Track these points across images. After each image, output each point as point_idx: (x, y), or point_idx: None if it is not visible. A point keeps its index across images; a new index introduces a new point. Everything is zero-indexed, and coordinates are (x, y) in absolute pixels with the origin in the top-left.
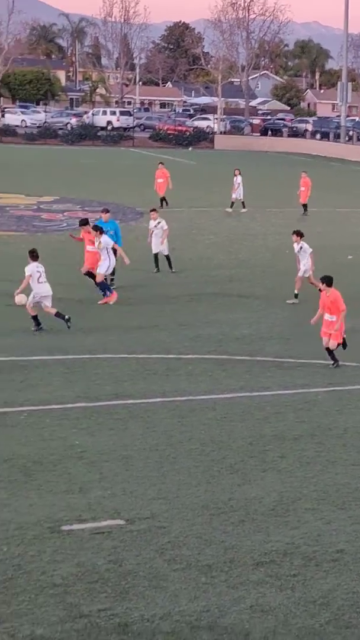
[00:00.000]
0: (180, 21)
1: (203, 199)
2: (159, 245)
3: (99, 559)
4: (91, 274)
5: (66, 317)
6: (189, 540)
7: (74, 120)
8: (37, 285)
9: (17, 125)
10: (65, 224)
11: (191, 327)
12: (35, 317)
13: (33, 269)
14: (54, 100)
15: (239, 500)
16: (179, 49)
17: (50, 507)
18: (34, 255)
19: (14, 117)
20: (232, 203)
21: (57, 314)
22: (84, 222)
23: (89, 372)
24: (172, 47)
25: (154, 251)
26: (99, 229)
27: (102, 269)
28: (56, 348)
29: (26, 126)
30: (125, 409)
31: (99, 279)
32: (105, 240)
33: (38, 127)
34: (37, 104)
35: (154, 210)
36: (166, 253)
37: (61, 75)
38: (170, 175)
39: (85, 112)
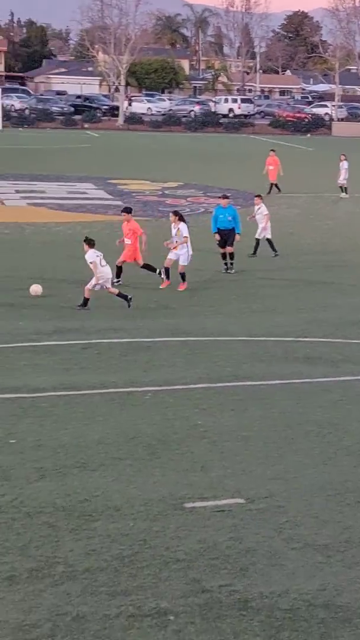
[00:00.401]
0: (299, 10)
1: (320, 185)
2: (260, 230)
3: (220, 536)
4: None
5: (128, 297)
6: (306, 520)
7: (197, 108)
8: (100, 269)
9: (143, 113)
10: (188, 209)
11: (309, 311)
12: (87, 300)
13: (93, 255)
14: (178, 89)
15: (354, 482)
16: (298, 37)
17: (173, 485)
18: (90, 243)
19: (140, 106)
20: (345, 188)
21: (119, 294)
22: (128, 210)
23: (210, 354)
24: (291, 35)
25: (256, 236)
26: (178, 215)
27: (184, 260)
28: (179, 330)
29: (152, 114)
30: (244, 390)
31: (180, 270)
32: (184, 228)
33: (163, 114)
34: (162, 92)
35: (258, 196)
36: (268, 237)
37: (185, 64)
38: (289, 161)
39: (210, 100)
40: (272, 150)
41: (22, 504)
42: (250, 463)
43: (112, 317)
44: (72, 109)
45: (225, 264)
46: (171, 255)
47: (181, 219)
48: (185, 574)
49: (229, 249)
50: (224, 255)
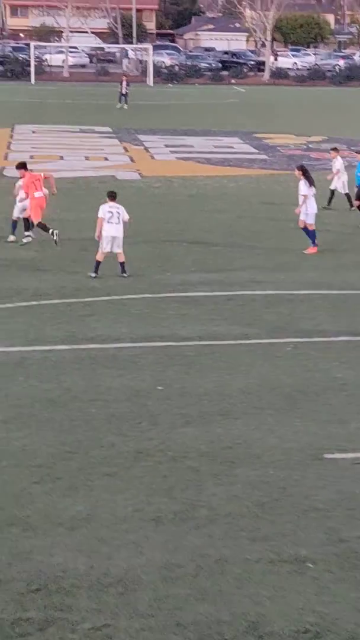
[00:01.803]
0: None
1: None
2: (333, 181)
3: (358, 487)
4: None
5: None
6: None
7: (341, 62)
8: (105, 227)
9: (289, 68)
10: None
11: None
12: (99, 263)
13: (104, 210)
14: (323, 43)
15: None
16: None
17: (313, 435)
18: (111, 196)
19: (286, 60)
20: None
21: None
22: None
23: (352, 308)
24: None
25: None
26: (301, 170)
27: (304, 217)
28: (321, 283)
29: (297, 69)
30: None
31: (310, 227)
32: (301, 185)
33: (308, 69)
34: (307, 47)
35: (333, 149)
36: (343, 191)
37: (330, 18)
38: None
39: (354, 53)
40: None
41: (168, 449)
42: None
43: (255, 270)
44: (220, 65)
45: None
46: (301, 216)
47: (304, 174)
48: (323, 523)
49: None
50: None
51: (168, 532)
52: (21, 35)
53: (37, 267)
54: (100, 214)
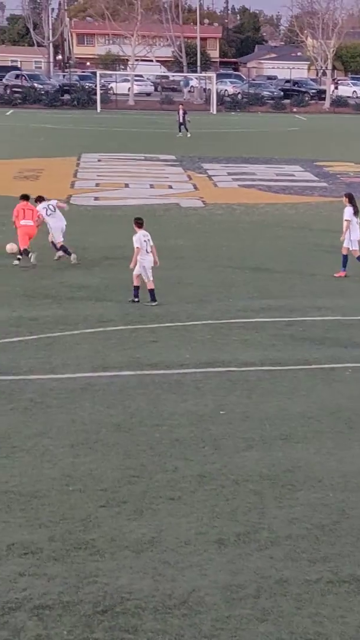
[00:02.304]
0: None
1: None
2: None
3: None
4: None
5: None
6: None
7: None
8: (143, 255)
9: (348, 97)
10: None
11: None
12: (151, 290)
13: (140, 239)
14: None
15: None
16: None
17: None
18: (139, 224)
19: (347, 89)
20: None
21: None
22: (25, 197)
23: None
24: None
25: None
26: (347, 197)
27: (348, 243)
28: None
29: (357, 97)
30: None
31: (344, 251)
32: (345, 211)
33: None
34: None
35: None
36: None
37: None
38: None
39: None
40: None
41: (230, 472)
42: None
43: (314, 296)
44: (282, 93)
45: None
46: (345, 242)
47: (350, 201)
48: None
49: None
50: None
51: (231, 554)
52: (87, 63)
53: (101, 294)
54: (137, 244)
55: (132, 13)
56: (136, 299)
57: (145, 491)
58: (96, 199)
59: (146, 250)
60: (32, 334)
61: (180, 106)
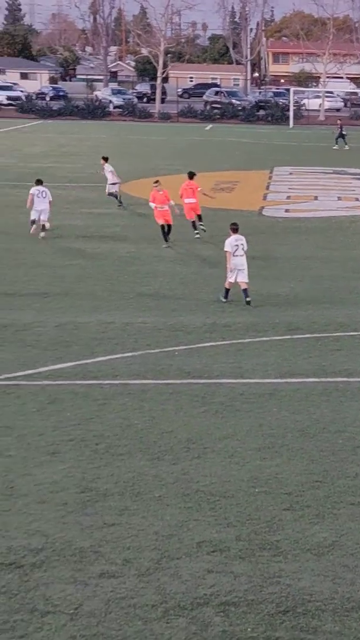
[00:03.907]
0: None
1: None
2: None
3: None
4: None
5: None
6: None
7: None
8: (233, 259)
9: None
10: None
11: None
12: (227, 290)
13: (231, 243)
14: None
15: None
16: None
17: None
18: (234, 228)
19: None
20: None
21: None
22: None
23: None
24: None
25: None
26: None
27: None
28: None
29: None
30: None
31: None
32: None
33: None
34: None
35: None
36: None
37: None
38: None
39: None
40: None
41: None
42: None
43: None
44: None
45: None
46: None
47: None
48: None
49: None
50: None
51: None
52: (282, 80)
53: (290, 303)
54: (227, 248)
55: (324, 33)
56: (224, 300)
57: (327, 496)
58: (287, 210)
59: (238, 253)
60: (225, 339)
61: (339, 121)
